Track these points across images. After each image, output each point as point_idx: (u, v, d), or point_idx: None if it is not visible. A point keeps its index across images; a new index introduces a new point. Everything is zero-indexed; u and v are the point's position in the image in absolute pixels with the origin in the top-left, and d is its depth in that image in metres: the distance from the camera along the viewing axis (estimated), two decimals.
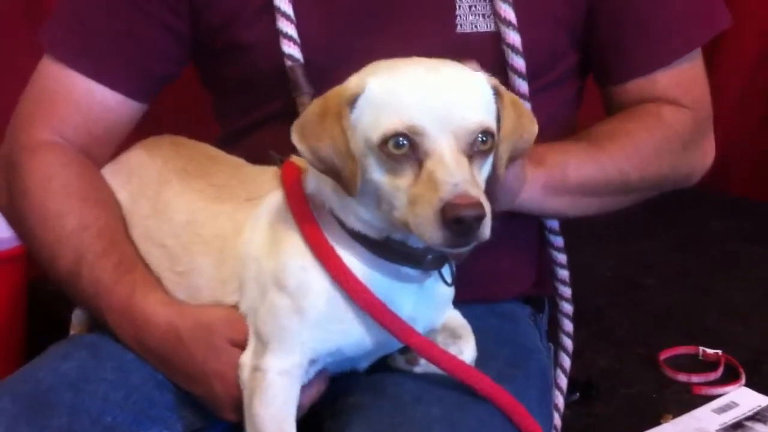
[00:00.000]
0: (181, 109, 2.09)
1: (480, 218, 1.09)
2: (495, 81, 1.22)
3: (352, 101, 1.17)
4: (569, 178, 1.46)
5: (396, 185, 1.14)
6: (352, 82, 1.19)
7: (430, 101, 1.14)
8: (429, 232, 1.10)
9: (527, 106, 1.43)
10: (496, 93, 1.21)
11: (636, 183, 1.53)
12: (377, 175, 1.16)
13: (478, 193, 1.11)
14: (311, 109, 1.21)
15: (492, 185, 1.24)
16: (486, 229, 1.11)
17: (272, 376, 1.23)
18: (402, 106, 1.14)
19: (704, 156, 1.63)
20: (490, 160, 1.19)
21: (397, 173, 1.14)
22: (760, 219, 2.88)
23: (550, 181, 1.44)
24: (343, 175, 1.16)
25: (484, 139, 1.16)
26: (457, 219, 1.08)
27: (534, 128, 1.26)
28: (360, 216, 1.22)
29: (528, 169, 1.41)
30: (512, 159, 1.24)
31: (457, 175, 1.10)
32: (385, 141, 1.13)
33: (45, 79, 1.54)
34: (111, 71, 1.52)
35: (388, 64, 1.21)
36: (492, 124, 1.18)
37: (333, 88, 1.20)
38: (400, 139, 1.13)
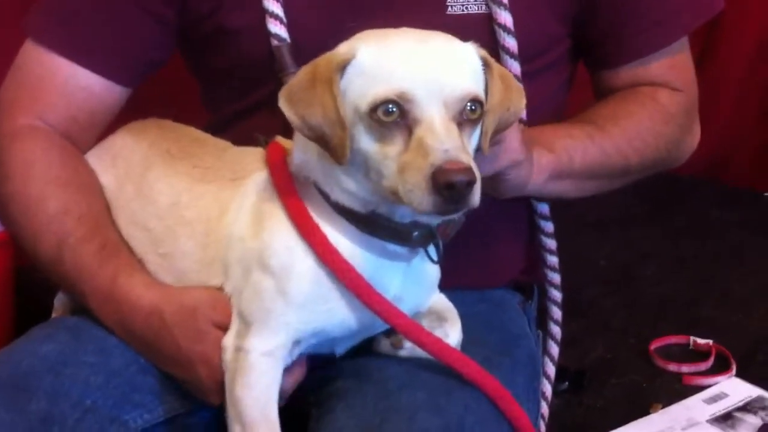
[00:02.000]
0: (169, 95, 2.07)
1: (471, 183, 1.09)
2: (484, 52, 1.22)
3: (342, 68, 1.16)
4: (575, 163, 1.47)
5: (385, 153, 1.14)
6: (342, 48, 1.19)
7: (420, 69, 1.14)
8: (419, 198, 1.10)
9: None
10: (485, 64, 1.21)
11: (635, 165, 1.55)
12: (366, 143, 1.15)
13: (468, 160, 1.11)
14: (300, 75, 1.20)
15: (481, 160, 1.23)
16: (476, 196, 1.11)
17: (255, 357, 1.22)
18: (392, 73, 1.14)
19: (694, 137, 1.65)
20: (478, 129, 1.19)
21: (387, 141, 1.14)
22: (758, 210, 2.88)
23: (557, 166, 1.45)
24: (332, 143, 1.16)
25: (473, 107, 1.16)
26: (448, 184, 1.08)
27: (522, 101, 1.26)
28: (346, 187, 1.21)
29: (537, 155, 1.41)
30: (498, 131, 1.24)
31: (447, 142, 1.10)
32: (374, 108, 1.13)
33: (28, 63, 1.53)
34: (95, 56, 1.51)
35: (378, 33, 1.20)
36: (481, 93, 1.18)
37: (322, 55, 1.19)
38: (390, 106, 1.13)
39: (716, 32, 1.82)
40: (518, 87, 1.27)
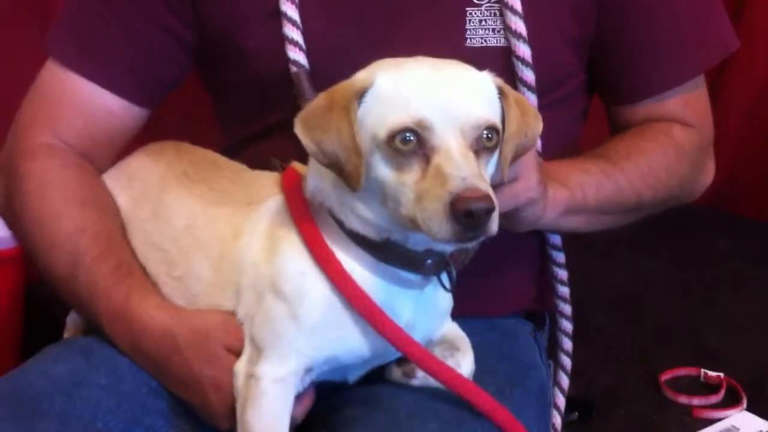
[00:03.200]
0: (186, 118, 2.08)
1: (490, 211, 1.09)
2: (500, 81, 1.23)
3: (360, 95, 1.17)
4: (589, 199, 1.48)
5: (403, 181, 1.14)
6: (360, 76, 1.19)
7: (438, 97, 1.15)
8: (437, 226, 1.10)
9: None
10: (501, 92, 1.22)
11: (648, 201, 1.56)
12: (383, 171, 1.15)
13: (487, 187, 1.11)
14: (317, 101, 1.20)
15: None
16: (494, 224, 1.11)
17: (266, 383, 1.22)
18: (410, 102, 1.14)
19: (707, 174, 1.66)
20: (495, 157, 1.20)
21: (404, 169, 1.14)
22: (765, 239, 2.86)
23: (571, 202, 1.45)
24: (347, 170, 1.16)
25: (489, 135, 1.16)
26: (467, 212, 1.08)
27: (538, 126, 1.26)
28: (361, 215, 1.21)
29: (552, 190, 1.41)
30: (517, 157, 1.25)
31: (465, 170, 1.11)
32: (392, 136, 1.14)
33: (48, 82, 1.54)
34: (114, 76, 1.52)
35: (395, 62, 1.21)
36: (497, 121, 1.19)
37: (340, 83, 1.20)
38: (408, 134, 1.13)
39: (725, 62, 1.84)
40: (535, 111, 1.28)
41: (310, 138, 1.18)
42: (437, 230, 1.10)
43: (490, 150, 1.18)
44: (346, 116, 1.15)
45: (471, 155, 1.14)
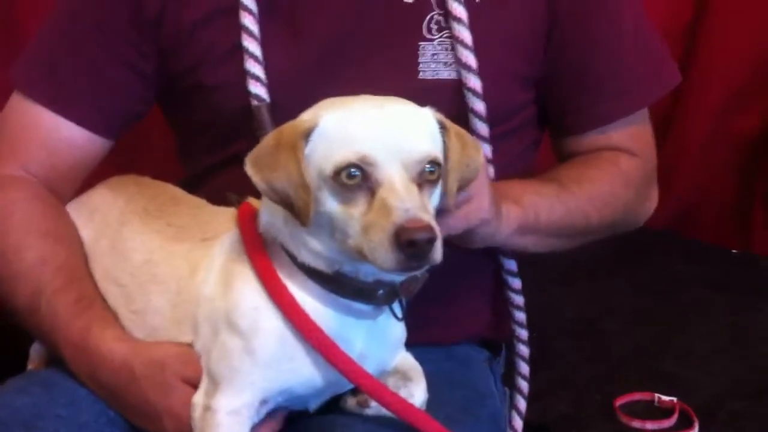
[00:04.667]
0: (151, 146, 2.10)
1: (432, 240, 1.14)
2: (440, 116, 1.27)
3: (307, 134, 1.21)
4: (541, 220, 1.52)
5: (350, 214, 1.18)
6: (306, 116, 1.24)
7: (381, 133, 1.19)
8: (383, 256, 1.14)
9: (487, 148, 1.50)
10: (442, 127, 1.26)
11: (595, 225, 1.61)
12: (331, 205, 1.19)
13: (429, 218, 1.16)
14: (266, 141, 1.25)
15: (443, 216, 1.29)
16: (437, 253, 1.15)
17: (221, 416, 1.25)
18: (354, 139, 1.19)
19: (651, 202, 1.71)
20: (438, 189, 1.24)
21: (351, 202, 1.18)
22: (722, 265, 2.90)
23: (524, 221, 1.50)
24: (297, 206, 1.20)
25: (431, 169, 1.21)
26: (409, 242, 1.12)
27: (479, 157, 1.31)
28: (312, 248, 1.25)
29: (505, 208, 1.46)
30: (461, 188, 1.29)
31: (408, 201, 1.15)
32: (338, 171, 1.18)
33: (13, 114, 1.57)
34: (78, 108, 1.55)
35: (340, 100, 1.26)
36: (438, 154, 1.23)
37: (287, 123, 1.24)
38: (353, 169, 1.17)
39: (682, 87, 1.89)
40: (474, 143, 1.32)
41: (260, 177, 1.22)
42: (383, 260, 1.14)
43: (433, 182, 1.22)
44: (294, 155, 1.20)
45: (414, 188, 1.18)
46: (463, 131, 1.31)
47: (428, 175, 1.21)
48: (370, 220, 1.16)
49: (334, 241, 1.22)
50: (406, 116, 1.23)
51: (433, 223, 1.15)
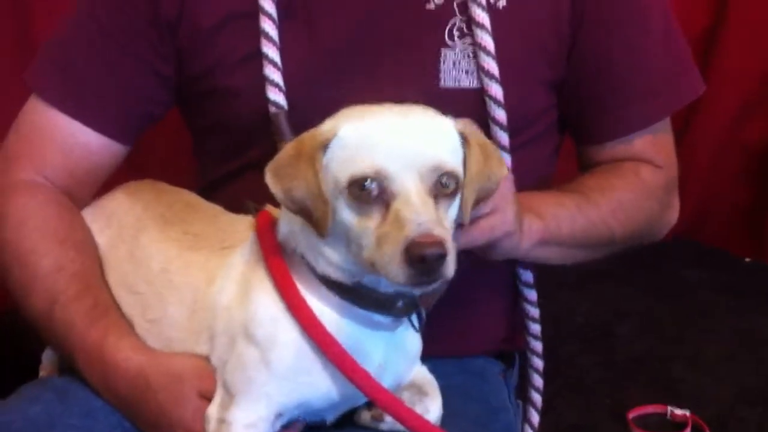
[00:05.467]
0: (168, 152, 2.09)
1: (442, 257, 1.12)
2: (462, 126, 1.25)
3: (325, 145, 1.20)
4: (563, 232, 1.51)
5: (364, 226, 1.17)
6: (326, 126, 1.23)
7: (397, 145, 1.18)
8: (394, 270, 1.13)
9: (507, 158, 1.47)
10: (463, 137, 1.24)
11: (619, 236, 1.59)
12: (347, 216, 1.18)
13: (442, 233, 1.14)
14: (285, 151, 1.24)
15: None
16: (448, 269, 1.13)
17: (237, 429, 1.24)
18: (370, 151, 1.17)
19: (673, 212, 1.70)
20: (456, 201, 1.22)
21: (366, 214, 1.17)
22: (733, 271, 2.90)
23: (545, 234, 1.48)
24: (315, 216, 1.19)
25: (447, 182, 1.19)
26: (420, 257, 1.11)
27: (502, 170, 1.29)
28: (330, 259, 1.24)
29: (527, 221, 1.44)
30: (479, 200, 1.27)
31: (423, 215, 1.14)
32: (354, 183, 1.17)
33: (29, 119, 1.56)
34: (95, 113, 1.53)
35: (360, 110, 1.24)
36: (456, 166, 1.21)
37: (307, 131, 1.23)
38: (368, 182, 1.16)
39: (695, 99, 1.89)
40: (498, 155, 1.30)
41: (279, 187, 1.21)
42: (394, 274, 1.13)
43: (450, 195, 1.20)
44: (312, 166, 1.19)
45: (430, 200, 1.17)
46: (487, 142, 1.30)
47: (445, 187, 1.19)
48: (384, 232, 1.15)
49: (350, 252, 1.21)
50: (424, 126, 1.22)
51: (446, 238, 1.14)
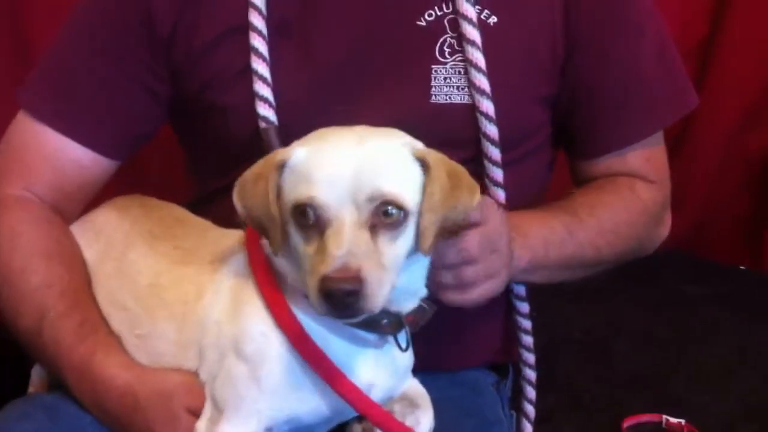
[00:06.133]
0: (161, 166, 2.09)
1: (353, 293, 1.10)
2: (423, 153, 1.21)
3: (281, 166, 1.20)
4: (550, 256, 1.50)
5: (306, 252, 1.17)
6: (289, 147, 1.23)
7: (338, 174, 1.16)
8: (314, 301, 1.13)
9: (499, 173, 1.48)
10: (424, 164, 1.21)
11: (606, 257, 1.59)
12: (296, 239, 1.19)
13: (361, 267, 1.11)
14: (252, 169, 1.25)
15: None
16: (367, 303, 1.11)
17: None
18: (311, 178, 1.17)
19: (664, 228, 1.69)
20: (407, 231, 1.18)
21: (308, 240, 1.17)
22: (734, 284, 2.88)
23: (533, 259, 1.48)
24: (269, 235, 1.21)
25: (390, 211, 1.16)
26: (328, 293, 1.10)
27: (472, 200, 1.24)
28: (296, 277, 1.24)
29: (516, 247, 1.43)
30: (445, 231, 1.24)
31: (346, 247, 1.12)
32: (296, 209, 1.17)
33: (19, 134, 1.56)
34: (85, 129, 1.53)
35: (324, 133, 1.24)
36: (401, 196, 1.17)
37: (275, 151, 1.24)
38: (308, 208, 1.16)
39: (695, 110, 1.87)
40: (470, 185, 1.24)
41: (240, 204, 1.24)
42: (315, 305, 1.13)
43: (394, 225, 1.17)
44: (266, 186, 1.20)
45: (363, 232, 1.14)
46: (459, 170, 1.24)
47: (388, 216, 1.16)
48: (312, 262, 1.15)
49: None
50: (376, 154, 1.19)
51: (366, 272, 1.10)
